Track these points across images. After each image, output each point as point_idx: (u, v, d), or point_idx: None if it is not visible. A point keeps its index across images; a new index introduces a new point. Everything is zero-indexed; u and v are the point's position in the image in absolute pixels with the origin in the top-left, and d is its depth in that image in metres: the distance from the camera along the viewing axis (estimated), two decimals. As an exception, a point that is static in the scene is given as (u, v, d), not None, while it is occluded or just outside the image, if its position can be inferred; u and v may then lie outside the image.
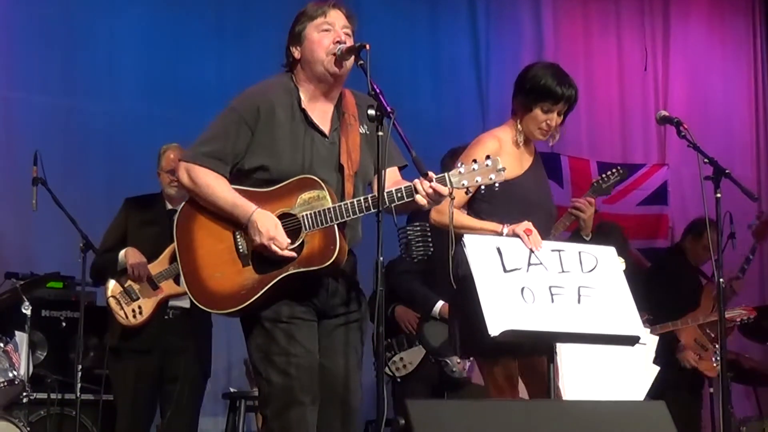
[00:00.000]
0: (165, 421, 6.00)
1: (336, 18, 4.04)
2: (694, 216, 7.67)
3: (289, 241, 3.86)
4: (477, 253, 4.10)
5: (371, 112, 3.78)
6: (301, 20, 4.06)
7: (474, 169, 3.82)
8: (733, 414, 7.14)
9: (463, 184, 3.82)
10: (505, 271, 4.12)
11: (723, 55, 9.92)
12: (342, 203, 3.86)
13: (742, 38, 10.03)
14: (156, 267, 5.93)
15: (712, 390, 7.44)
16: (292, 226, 3.88)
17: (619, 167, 5.22)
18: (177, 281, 5.93)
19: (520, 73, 4.65)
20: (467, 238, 4.14)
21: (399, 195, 3.83)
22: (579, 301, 4.17)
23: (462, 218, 4.41)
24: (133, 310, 5.89)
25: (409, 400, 3.57)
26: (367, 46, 3.86)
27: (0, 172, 7.43)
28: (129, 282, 5.90)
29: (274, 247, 3.84)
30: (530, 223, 4.31)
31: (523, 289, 4.09)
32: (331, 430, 3.94)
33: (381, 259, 3.67)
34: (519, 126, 4.59)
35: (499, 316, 3.96)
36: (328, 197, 3.87)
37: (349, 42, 4.00)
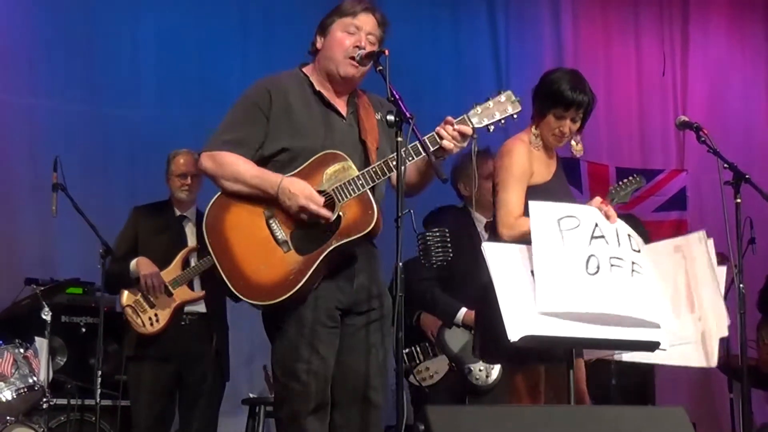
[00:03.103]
0: (183, 426, 6.01)
1: (365, 22, 4.03)
2: (713, 222, 7.60)
3: (323, 199, 3.85)
4: (497, 259, 4.09)
5: (390, 117, 3.78)
6: (334, 13, 4.07)
7: (490, 105, 3.85)
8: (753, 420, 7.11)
9: (484, 122, 3.84)
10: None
11: (742, 60, 9.87)
12: (369, 168, 3.87)
13: (761, 44, 9.98)
14: (169, 274, 5.94)
15: (732, 395, 7.41)
16: (324, 202, 3.87)
17: (636, 174, 5.16)
18: (191, 287, 5.95)
19: (540, 78, 4.66)
20: (487, 245, 4.13)
21: (425, 145, 3.81)
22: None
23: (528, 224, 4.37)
24: (150, 318, 5.89)
25: (429, 405, 3.57)
26: (386, 52, 3.86)
27: (21, 178, 7.47)
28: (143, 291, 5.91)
29: (312, 206, 3.82)
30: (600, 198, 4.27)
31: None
32: (353, 427, 3.94)
33: (400, 264, 3.67)
34: (535, 131, 4.59)
35: (519, 321, 3.96)
36: (353, 166, 3.88)
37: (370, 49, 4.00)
